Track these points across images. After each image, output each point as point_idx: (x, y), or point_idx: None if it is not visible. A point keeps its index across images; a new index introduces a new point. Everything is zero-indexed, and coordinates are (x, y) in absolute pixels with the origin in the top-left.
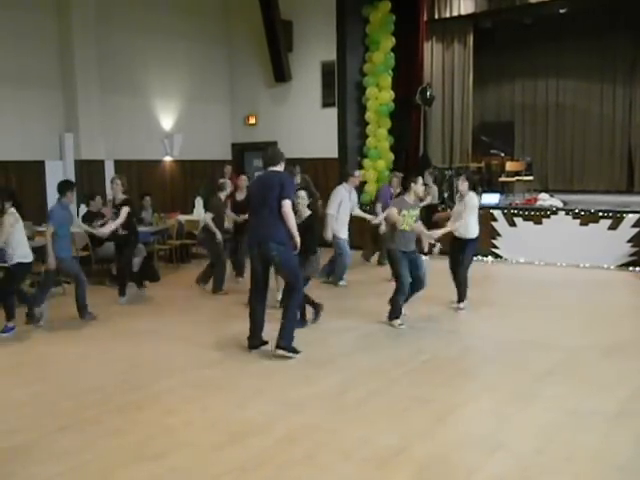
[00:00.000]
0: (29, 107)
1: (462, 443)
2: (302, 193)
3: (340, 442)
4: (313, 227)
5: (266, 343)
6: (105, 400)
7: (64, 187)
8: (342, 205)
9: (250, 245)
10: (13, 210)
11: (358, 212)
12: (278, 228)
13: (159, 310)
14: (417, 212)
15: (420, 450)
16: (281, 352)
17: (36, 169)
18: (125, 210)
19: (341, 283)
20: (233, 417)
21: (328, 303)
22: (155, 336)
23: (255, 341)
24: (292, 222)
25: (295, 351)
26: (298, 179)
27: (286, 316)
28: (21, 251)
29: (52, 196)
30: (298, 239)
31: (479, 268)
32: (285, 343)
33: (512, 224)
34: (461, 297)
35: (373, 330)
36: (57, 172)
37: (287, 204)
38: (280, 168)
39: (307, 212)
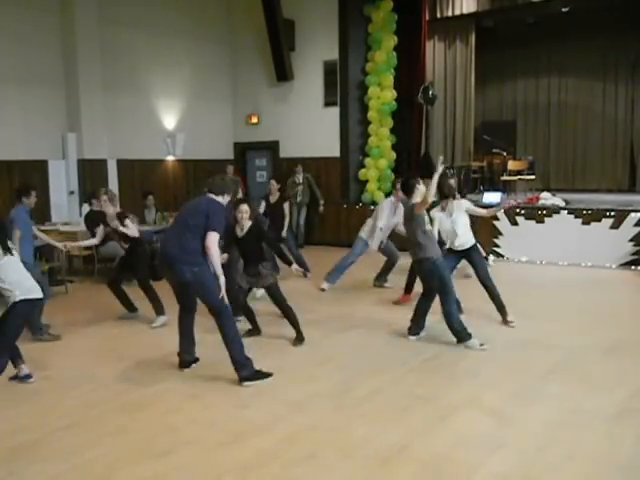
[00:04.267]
0: (32, 107)
1: (464, 441)
2: (244, 207)
3: (342, 441)
4: (261, 236)
5: (197, 360)
6: (108, 398)
7: (22, 191)
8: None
9: (162, 266)
10: None
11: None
12: (193, 249)
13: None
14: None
15: (422, 448)
16: (247, 384)
17: (39, 168)
18: (129, 221)
19: (324, 286)
20: (235, 416)
21: (331, 301)
22: (156, 335)
23: (185, 357)
24: (215, 259)
25: (261, 377)
26: (300, 178)
27: (228, 345)
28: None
29: (55, 196)
30: (222, 278)
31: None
32: (244, 374)
33: (514, 223)
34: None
35: (374, 329)
36: (60, 171)
37: (212, 237)
38: (220, 200)
39: (248, 223)
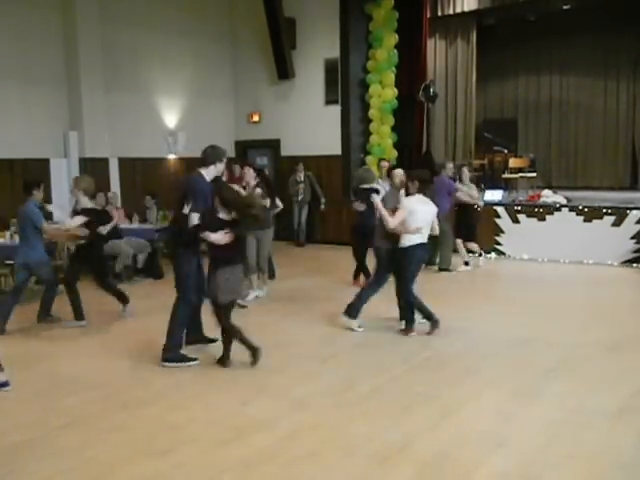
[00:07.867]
0: (34, 105)
1: (465, 440)
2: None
3: (343, 439)
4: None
5: (214, 341)
6: (108, 397)
7: (34, 184)
8: None
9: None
10: None
11: None
12: (187, 230)
13: (161, 307)
14: None
15: (423, 447)
16: (167, 364)
17: (41, 167)
18: (79, 218)
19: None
20: (236, 414)
21: (331, 300)
22: (155, 333)
23: (189, 338)
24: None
25: (183, 359)
26: (301, 176)
27: (172, 323)
28: None
29: (56, 194)
30: (215, 236)
31: (482, 265)
32: (168, 356)
33: (515, 221)
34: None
35: (376, 327)
36: (62, 170)
37: (191, 219)
38: (209, 171)
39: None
